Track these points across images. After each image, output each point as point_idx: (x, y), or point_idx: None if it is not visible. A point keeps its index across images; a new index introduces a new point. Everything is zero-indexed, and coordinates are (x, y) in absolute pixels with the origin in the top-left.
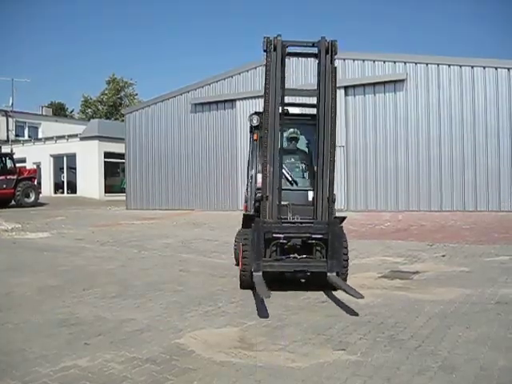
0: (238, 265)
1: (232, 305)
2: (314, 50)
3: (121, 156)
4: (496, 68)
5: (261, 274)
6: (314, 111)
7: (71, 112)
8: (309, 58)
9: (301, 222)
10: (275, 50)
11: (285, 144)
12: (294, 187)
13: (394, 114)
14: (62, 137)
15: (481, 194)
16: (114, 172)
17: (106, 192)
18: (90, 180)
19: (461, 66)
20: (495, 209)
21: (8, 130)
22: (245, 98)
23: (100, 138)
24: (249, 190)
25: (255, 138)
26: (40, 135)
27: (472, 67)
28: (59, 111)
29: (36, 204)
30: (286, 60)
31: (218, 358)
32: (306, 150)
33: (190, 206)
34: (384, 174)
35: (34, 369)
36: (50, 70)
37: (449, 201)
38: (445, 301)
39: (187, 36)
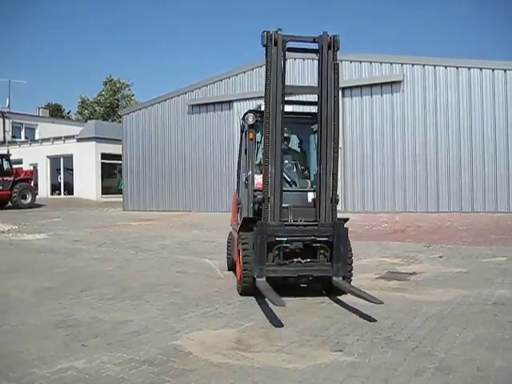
0: (230, 270)
1: (229, 306)
2: (315, 46)
3: (118, 157)
4: (493, 69)
5: (265, 279)
6: (305, 109)
7: (68, 113)
8: (306, 60)
9: (304, 225)
10: (276, 44)
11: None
12: (293, 188)
13: (391, 116)
14: (59, 138)
15: (477, 195)
16: (110, 173)
17: (102, 193)
18: (87, 181)
19: (457, 68)
20: (492, 210)
21: (4, 131)
22: (242, 99)
23: (97, 139)
24: (241, 191)
25: (251, 137)
26: (37, 136)
27: (469, 68)
28: (56, 112)
29: (33, 205)
30: None
31: (216, 359)
32: (299, 149)
33: (187, 208)
34: (381, 175)
35: (31, 370)
36: (47, 71)
37: (446, 202)
38: (442, 302)
39: (184, 37)
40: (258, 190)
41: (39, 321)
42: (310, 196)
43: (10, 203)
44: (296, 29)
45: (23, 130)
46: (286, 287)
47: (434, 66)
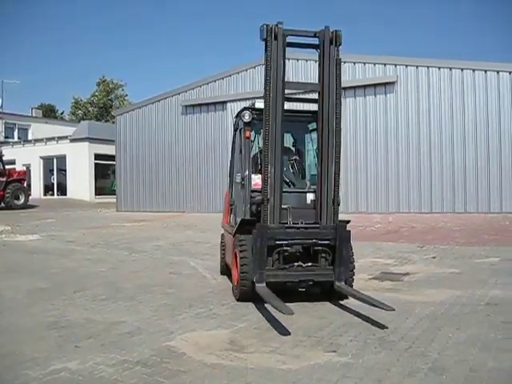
0: (223, 273)
1: (223, 307)
2: (316, 41)
3: (111, 158)
4: (485, 71)
5: (265, 284)
6: (300, 106)
7: (61, 114)
8: (299, 60)
9: (305, 227)
10: (276, 38)
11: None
12: (292, 189)
13: (385, 116)
14: (52, 138)
15: (470, 196)
16: (104, 174)
17: (96, 194)
18: (80, 182)
19: (450, 69)
20: (485, 210)
21: None
22: (236, 100)
23: (90, 139)
24: (235, 191)
25: (247, 135)
26: (30, 137)
27: (462, 70)
28: (49, 113)
29: (26, 206)
30: None
31: (209, 360)
32: (293, 149)
33: (180, 208)
34: (374, 175)
35: (24, 372)
36: (40, 72)
37: (439, 202)
38: (435, 302)
39: (182, 37)
40: (256, 190)
41: (32, 322)
42: (309, 197)
43: (2, 204)
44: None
45: (16, 131)
46: (285, 292)
47: (428, 67)
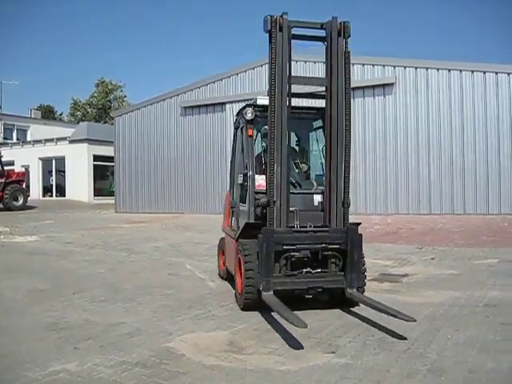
0: (222, 277)
1: (222, 308)
2: (323, 33)
3: (110, 159)
4: (484, 72)
5: (272, 293)
6: (303, 102)
7: (60, 115)
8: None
9: (314, 231)
10: (280, 30)
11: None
12: (298, 190)
13: (383, 118)
14: (51, 140)
15: (469, 197)
16: (103, 175)
17: (94, 195)
18: (79, 183)
19: (449, 70)
20: (483, 212)
21: None
22: (235, 101)
23: (89, 140)
24: (236, 193)
25: (250, 133)
26: (29, 138)
27: (460, 71)
28: (48, 114)
29: (24, 207)
30: None
31: (208, 361)
32: (297, 148)
33: (179, 210)
34: (373, 176)
35: (23, 373)
36: (39, 73)
37: (437, 204)
38: (434, 303)
39: (182, 37)
40: (259, 192)
41: (31, 323)
42: (317, 199)
43: (1, 205)
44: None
45: (15, 132)
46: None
47: (426, 68)
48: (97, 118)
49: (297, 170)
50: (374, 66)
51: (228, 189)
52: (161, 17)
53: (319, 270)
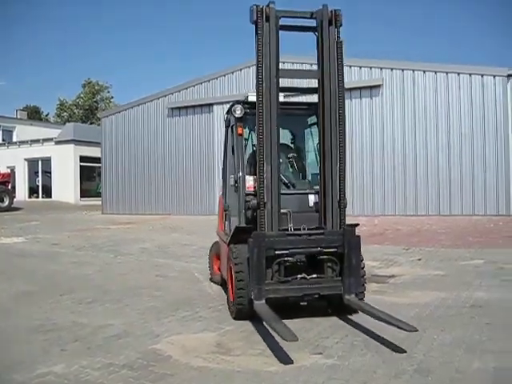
0: (219, 284)
1: (209, 310)
2: (313, 23)
3: (96, 160)
4: (470, 74)
5: (264, 301)
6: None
7: (46, 115)
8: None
9: (309, 234)
10: (267, 20)
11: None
12: (292, 190)
13: (370, 119)
14: (37, 140)
15: (455, 199)
16: (89, 176)
17: (81, 196)
18: (66, 184)
19: (436, 72)
20: (469, 213)
21: None
22: (222, 103)
23: (76, 141)
24: (229, 195)
25: (239, 132)
26: (14, 139)
27: (446, 73)
28: (34, 114)
29: (10, 208)
30: None
31: (196, 363)
32: (292, 145)
33: (166, 211)
34: (360, 178)
35: (10, 376)
36: (25, 73)
37: (424, 205)
38: (420, 304)
39: (166, 39)
40: (251, 193)
41: (18, 325)
42: (312, 199)
43: None
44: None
45: (0, 133)
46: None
47: (413, 70)
48: (83, 118)
49: (291, 170)
50: (360, 67)
51: (220, 191)
52: (148, 18)
53: (315, 276)
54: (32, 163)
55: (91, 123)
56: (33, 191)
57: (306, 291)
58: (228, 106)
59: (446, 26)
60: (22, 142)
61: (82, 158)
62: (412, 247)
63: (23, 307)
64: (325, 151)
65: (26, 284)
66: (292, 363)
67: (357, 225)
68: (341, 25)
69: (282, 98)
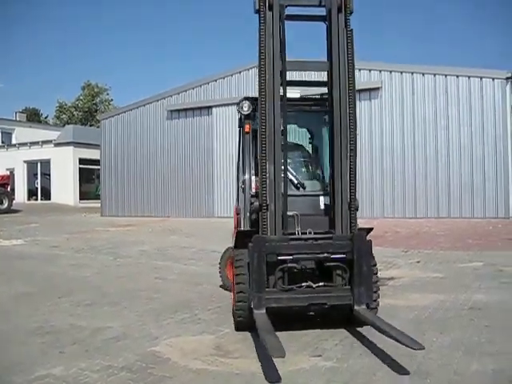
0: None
1: (208, 312)
2: (322, 12)
3: (96, 162)
4: (469, 77)
5: (264, 311)
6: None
7: (46, 118)
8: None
9: (315, 238)
10: (271, 9)
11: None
12: (301, 192)
13: (369, 122)
14: (36, 143)
15: (454, 201)
16: (88, 178)
17: (80, 199)
18: (65, 186)
19: (434, 75)
20: (468, 216)
21: None
22: (221, 105)
23: (75, 144)
24: (241, 198)
25: (247, 129)
26: (13, 141)
27: (445, 76)
28: (33, 117)
29: (9, 211)
30: None
31: (194, 365)
32: (310, 145)
33: (165, 213)
34: (359, 181)
35: (8, 378)
36: (24, 75)
37: (423, 208)
38: (419, 306)
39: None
40: (255, 195)
41: (17, 327)
42: (323, 201)
43: None
44: (293, 34)
45: (0, 135)
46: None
47: (412, 73)
48: (83, 121)
49: (305, 170)
50: (360, 70)
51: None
52: (148, 19)
53: (322, 284)
54: (31, 165)
55: (90, 125)
56: (32, 193)
57: (312, 301)
58: (227, 108)
59: (446, 29)
60: (21, 144)
61: (82, 161)
62: (411, 250)
63: (22, 309)
64: (334, 149)
65: (24, 286)
66: (279, 382)
67: (371, 229)
68: (351, 12)
69: (297, 95)
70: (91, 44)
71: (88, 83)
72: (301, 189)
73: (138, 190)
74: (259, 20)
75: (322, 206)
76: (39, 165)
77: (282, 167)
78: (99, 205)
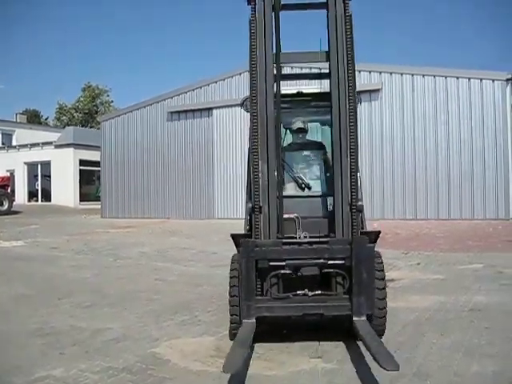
0: None
1: (208, 314)
2: None
3: (96, 164)
4: (469, 79)
5: (253, 321)
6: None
7: (46, 119)
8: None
9: (310, 243)
10: None
11: (293, 137)
12: (305, 193)
13: (369, 123)
14: (37, 144)
15: (454, 203)
16: (89, 180)
17: (80, 200)
18: (65, 188)
19: (434, 77)
20: (468, 217)
21: None
22: (221, 107)
23: (75, 145)
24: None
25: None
26: (14, 142)
27: (445, 77)
28: (34, 118)
29: (9, 212)
30: None
31: (195, 367)
32: (325, 143)
33: (165, 215)
34: (358, 182)
35: (8, 379)
36: (25, 77)
37: (423, 209)
38: (419, 308)
39: (165, 42)
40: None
41: (16, 329)
42: (330, 203)
43: None
44: (293, 36)
45: (0, 136)
46: None
47: (412, 74)
48: (83, 122)
49: (315, 170)
50: (360, 71)
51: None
52: (147, 20)
53: (319, 293)
54: (31, 167)
55: (91, 127)
56: (32, 195)
57: (307, 310)
58: (227, 110)
59: (446, 29)
60: (21, 146)
61: (82, 162)
62: (411, 251)
63: (22, 310)
64: (334, 145)
65: (24, 287)
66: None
67: (377, 232)
68: None
69: (313, 89)
70: (91, 45)
71: (88, 85)
72: (306, 190)
73: (138, 192)
74: (251, 11)
75: (330, 208)
76: (39, 166)
77: (283, 166)
78: (99, 206)
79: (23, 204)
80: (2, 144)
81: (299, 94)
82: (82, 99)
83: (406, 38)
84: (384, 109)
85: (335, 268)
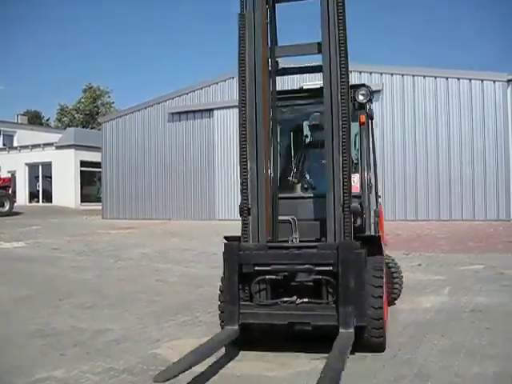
0: None
1: (209, 315)
2: None
3: (97, 165)
4: (470, 80)
5: (236, 327)
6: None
7: (47, 120)
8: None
9: (298, 247)
10: None
11: (308, 135)
12: (308, 193)
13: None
14: (38, 145)
15: (455, 204)
16: (90, 181)
17: (81, 201)
18: (66, 189)
19: (435, 78)
20: (469, 218)
21: None
22: (222, 108)
23: (76, 146)
24: None
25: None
26: (15, 143)
27: (446, 79)
28: (35, 119)
29: (11, 213)
30: None
31: (195, 368)
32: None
33: (166, 216)
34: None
35: (9, 380)
36: (26, 78)
37: (424, 210)
38: (420, 309)
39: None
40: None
41: (17, 329)
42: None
43: None
44: (292, 36)
45: (1, 137)
46: None
47: (413, 75)
48: (84, 123)
49: (319, 170)
50: (360, 72)
51: None
52: (148, 21)
53: (306, 300)
54: (32, 168)
55: (92, 128)
56: (33, 196)
57: (294, 319)
58: (228, 111)
59: (446, 29)
60: (22, 147)
61: (83, 163)
62: (412, 252)
63: (22, 311)
64: (326, 140)
65: (25, 288)
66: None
67: (376, 237)
68: None
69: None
70: (91, 45)
71: (89, 86)
72: (307, 191)
73: (139, 193)
74: (240, 5)
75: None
76: (40, 167)
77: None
78: (100, 207)
79: (24, 205)
80: (3, 145)
81: (302, 91)
82: (82, 100)
83: (406, 38)
84: (385, 110)
85: (323, 274)
